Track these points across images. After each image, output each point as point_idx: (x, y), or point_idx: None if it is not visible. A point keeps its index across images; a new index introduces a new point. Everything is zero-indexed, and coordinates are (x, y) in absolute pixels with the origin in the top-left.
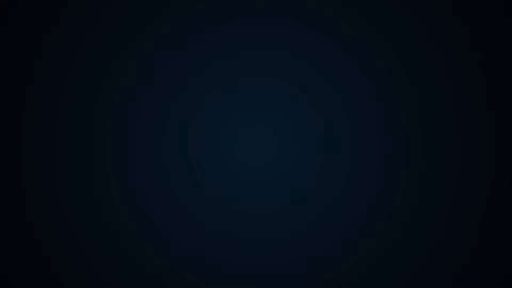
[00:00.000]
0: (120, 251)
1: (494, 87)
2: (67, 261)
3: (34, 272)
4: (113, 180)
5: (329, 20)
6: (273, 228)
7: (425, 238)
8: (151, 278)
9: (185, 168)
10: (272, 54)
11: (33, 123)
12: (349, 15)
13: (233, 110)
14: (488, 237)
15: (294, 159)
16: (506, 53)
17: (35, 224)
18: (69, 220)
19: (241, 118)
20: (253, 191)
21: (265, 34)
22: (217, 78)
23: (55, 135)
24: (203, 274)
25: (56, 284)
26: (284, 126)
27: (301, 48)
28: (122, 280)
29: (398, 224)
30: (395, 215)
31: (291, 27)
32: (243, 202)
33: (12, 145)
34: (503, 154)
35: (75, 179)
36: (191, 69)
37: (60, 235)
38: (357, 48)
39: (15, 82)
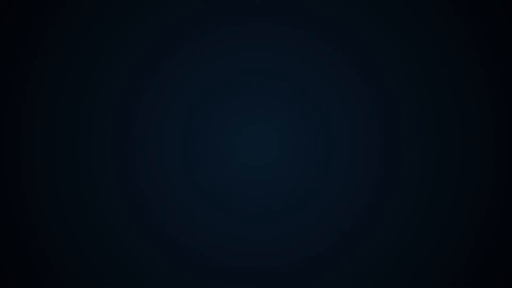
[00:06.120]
0: (120, 251)
1: (494, 87)
2: (67, 261)
3: (34, 272)
4: (114, 180)
5: (329, 20)
6: (273, 228)
7: (424, 238)
8: (151, 278)
9: (186, 168)
10: (272, 54)
11: (33, 123)
12: (349, 15)
13: (233, 110)
14: (488, 237)
15: (294, 159)
16: (506, 53)
17: (36, 224)
18: (69, 220)
19: (241, 118)
20: (253, 191)
21: (265, 34)
22: (217, 78)
23: (55, 135)
24: (203, 274)
25: (56, 284)
26: (284, 126)
27: (301, 48)
28: (122, 280)
29: (397, 224)
30: (395, 215)
31: (291, 27)
32: (243, 202)
33: (12, 145)
34: (503, 154)
35: (75, 179)
36: (191, 68)
37: (60, 235)
38: (357, 48)
39: (15, 82)
